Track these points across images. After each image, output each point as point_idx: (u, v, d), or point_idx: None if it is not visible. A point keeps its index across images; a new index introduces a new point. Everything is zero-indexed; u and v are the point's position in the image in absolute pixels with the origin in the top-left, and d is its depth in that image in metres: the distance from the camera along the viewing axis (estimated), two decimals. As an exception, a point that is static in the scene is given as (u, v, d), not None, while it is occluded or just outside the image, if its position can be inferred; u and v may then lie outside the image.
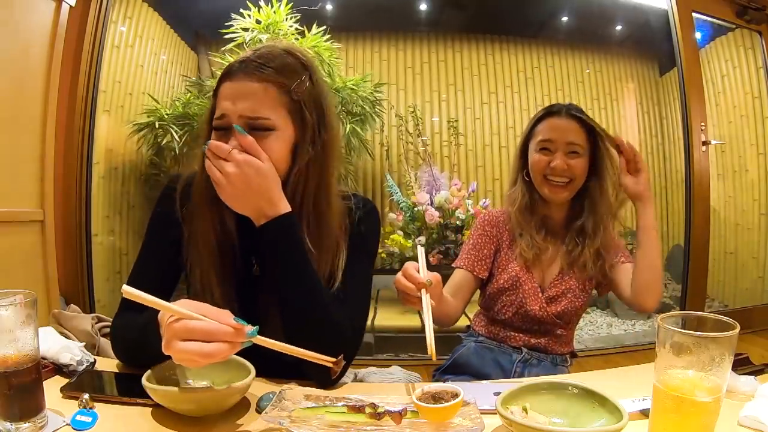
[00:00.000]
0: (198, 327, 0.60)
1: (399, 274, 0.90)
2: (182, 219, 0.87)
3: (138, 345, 0.76)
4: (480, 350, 1.24)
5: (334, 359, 0.72)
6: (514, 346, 1.22)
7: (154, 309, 0.63)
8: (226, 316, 0.62)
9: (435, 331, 0.82)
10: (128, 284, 0.88)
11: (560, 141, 1.17)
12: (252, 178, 0.76)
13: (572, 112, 1.19)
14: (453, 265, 1.29)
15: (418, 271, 0.88)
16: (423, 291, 0.86)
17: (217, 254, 0.84)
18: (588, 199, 1.22)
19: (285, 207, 0.79)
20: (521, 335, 1.23)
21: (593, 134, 1.19)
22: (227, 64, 0.83)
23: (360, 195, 0.96)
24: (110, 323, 1.03)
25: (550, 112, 1.22)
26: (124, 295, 0.60)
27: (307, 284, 0.80)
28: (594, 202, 1.21)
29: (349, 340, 0.83)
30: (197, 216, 0.85)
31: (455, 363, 1.24)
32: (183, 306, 0.63)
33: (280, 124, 0.80)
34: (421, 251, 0.94)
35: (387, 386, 0.82)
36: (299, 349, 0.68)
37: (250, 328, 0.62)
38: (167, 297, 0.91)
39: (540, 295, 1.21)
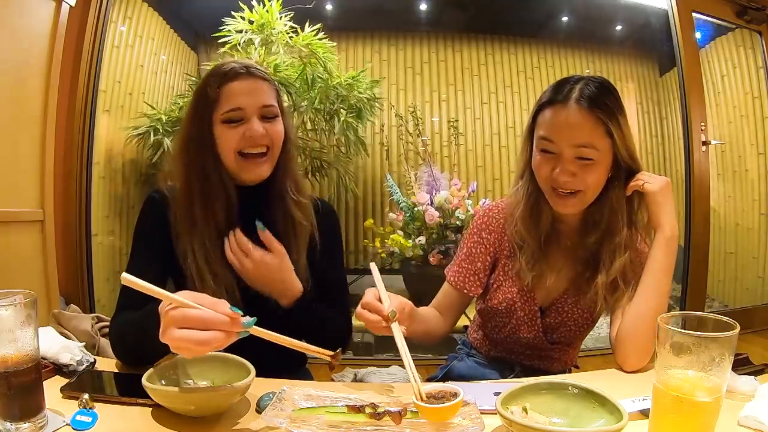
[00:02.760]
0: (194, 315, 0.61)
1: (360, 307, 0.81)
2: (175, 217, 0.93)
3: (139, 338, 0.77)
4: (472, 364, 1.14)
5: (331, 352, 0.72)
6: (508, 364, 1.10)
7: (154, 303, 0.64)
8: (223, 305, 0.63)
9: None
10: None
11: (565, 143, 0.89)
12: (265, 274, 0.91)
13: (585, 103, 0.88)
14: (445, 271, 1.10)
15: (380, 300, 0.80)
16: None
17: (224, 231, 0.93)
18: (608, 209, 0.94)
19: (299, 288, 0.94)
20: (514, 356, 1.10)
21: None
22: (225, 68, 0.94)
23: (322, 199, 1.10)
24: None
25: (554, 97, 0.91)
26: (123, 282, 0.61)
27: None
28: (613, 214, 0.93)
29: (345, 331, 1.03)
30: (211, 197, 0.93)
31: (448, 376, 1.12)
32: (181, 297, 0.63)
33: (279, 112, 0.98)
34: (375, 271, 0.84)
35: (387, 386, 0.82)
36: (297, 341, 0.69)
37: (246, 319, 0.63)
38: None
39: (537, 320, 1.03)
